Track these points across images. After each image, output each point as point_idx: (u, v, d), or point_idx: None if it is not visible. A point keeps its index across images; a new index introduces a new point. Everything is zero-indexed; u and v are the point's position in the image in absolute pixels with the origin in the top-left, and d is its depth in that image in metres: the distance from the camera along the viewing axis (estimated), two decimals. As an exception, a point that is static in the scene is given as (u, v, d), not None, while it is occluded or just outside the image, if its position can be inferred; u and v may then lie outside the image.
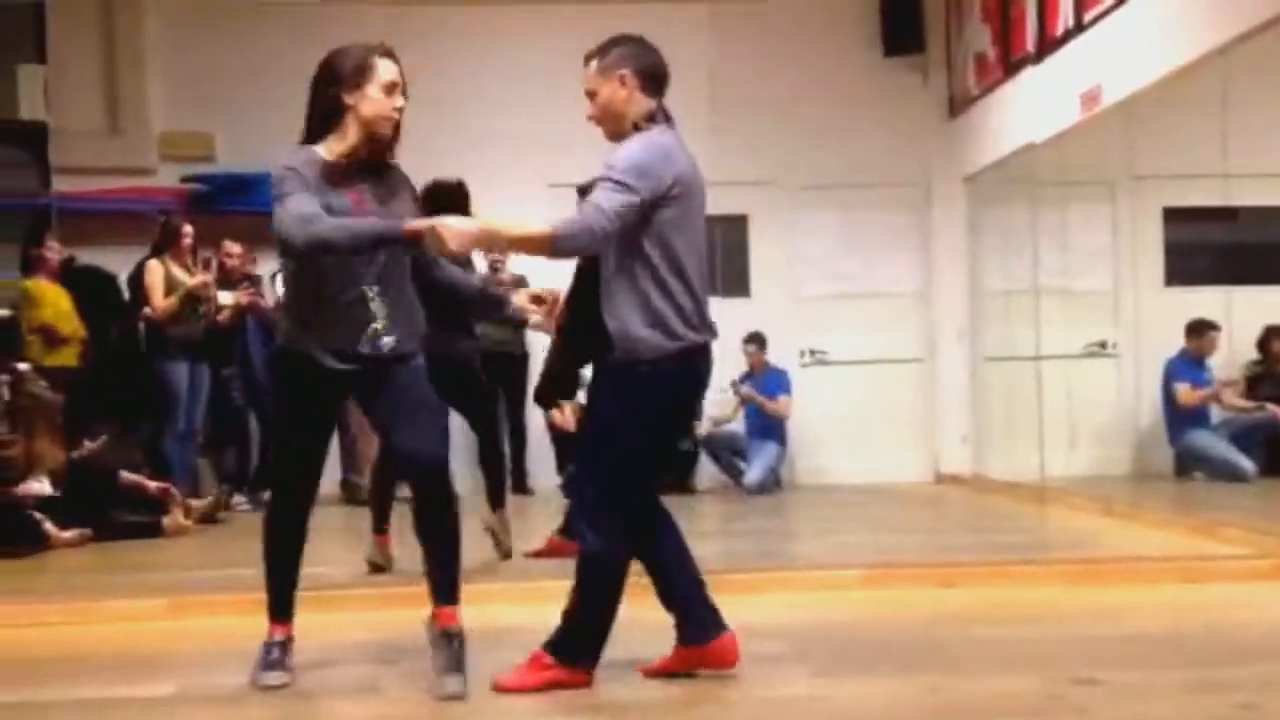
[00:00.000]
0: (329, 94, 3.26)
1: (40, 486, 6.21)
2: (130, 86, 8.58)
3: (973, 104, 8.61)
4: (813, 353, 9.10)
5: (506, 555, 5.31)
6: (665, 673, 3.35)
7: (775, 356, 8.81)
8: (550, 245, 3.18)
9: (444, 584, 3.30)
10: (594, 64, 3.30)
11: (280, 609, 3.44)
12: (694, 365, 3.32)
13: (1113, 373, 8.59)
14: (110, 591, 4.84)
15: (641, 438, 3.23)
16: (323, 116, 3.29)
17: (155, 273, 7.15)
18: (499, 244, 3.16)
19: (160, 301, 7.11)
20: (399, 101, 3.28)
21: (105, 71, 8.55)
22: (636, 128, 3.25)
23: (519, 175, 8.51)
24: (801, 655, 3.65)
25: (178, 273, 7.23)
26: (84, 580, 5.35)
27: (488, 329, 8.46)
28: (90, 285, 7.45)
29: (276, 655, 3.37)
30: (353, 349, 3.28)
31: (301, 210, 3.14)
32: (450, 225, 3.12)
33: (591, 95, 3.30)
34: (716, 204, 9.96)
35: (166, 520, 6.53)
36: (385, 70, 3.27)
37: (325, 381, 3.32)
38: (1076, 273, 8.21)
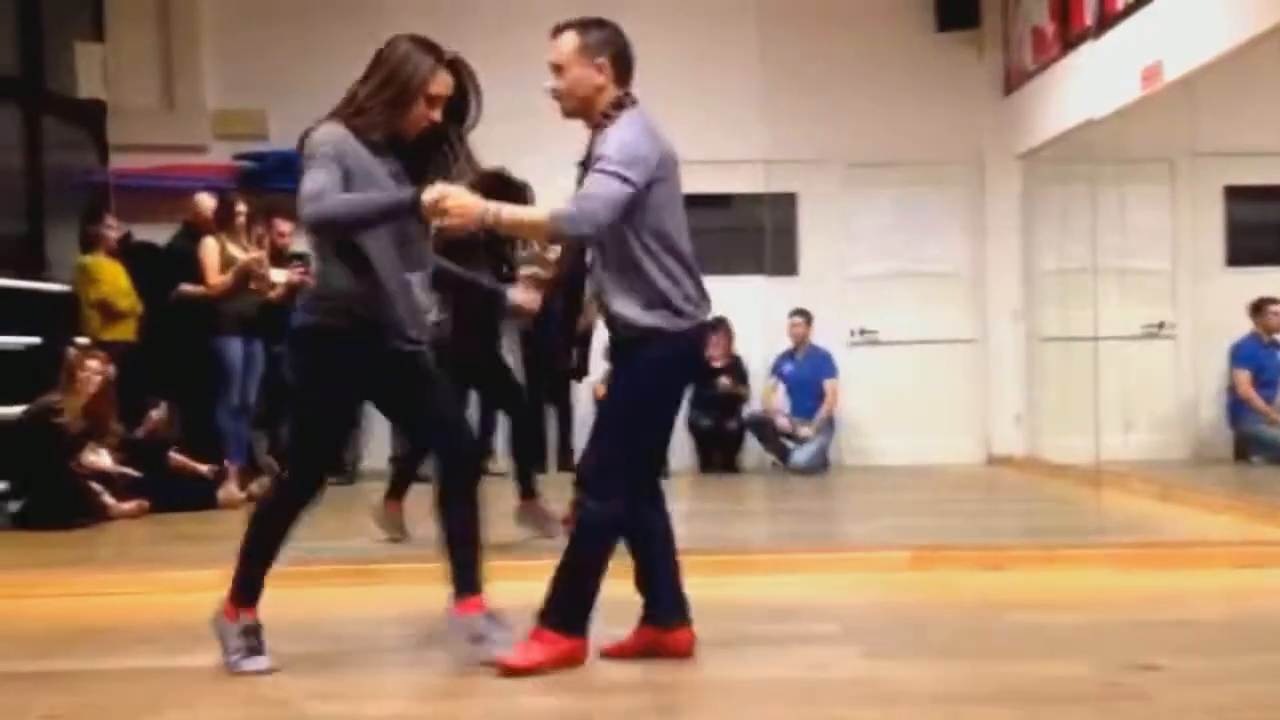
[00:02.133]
0: (395, 91, 3.23)
1: (99, 459, 6.31)
2: (185, 65, 8.67)
3: (1029, 80, 8.46)
4: (863, 332, 9.03)
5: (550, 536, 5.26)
6: (623, 654, 3.35)
7: (824, 336, 8.76)
8: (548, 231, 3.23)
9: (472, 569, 3.31)
10: (571, 39, 3.27)
11: (257, 593, 3.39)
12: (698, 343, 3.38)
13: (1170, 354, 8.44)
14: (164, 562, 4.92)
15: (650, 415, 3.29)
16: (381, 108, 3.24)
17: (210, 249, 7.22)
18: (498, 224, 3.12)
19: (215, 278, 7.18)
20: (436, 115, 3.28)
21: (161, 50, 8.64)
22: (605, 116, 3.26)
23: (566, 163, 8.51)
24: (852, 636, 3.62)
25: (233, 250, 7.29)
26: (139, 551, 5.44)
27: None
28: (146, 261, 7.54)
29: (255, 640, 3.33)
30: (408, 332, 3.29)
31: (311, 187, 3.12)
32: (454, 198, 3.11)
33: (559, 70, 3.28)
34: (766, 182, 9.91)
35: (221, 493, 6.63)
36: (440, 81, 3.26)
37: (373, 363, 3.29)
38: (1134, 252, 8.06)
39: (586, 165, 3.30)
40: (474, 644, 3.27)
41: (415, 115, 3.25)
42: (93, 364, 6.32)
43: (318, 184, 3.12)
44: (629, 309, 3.22)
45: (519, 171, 5.36)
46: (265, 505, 3.49)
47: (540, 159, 5.96)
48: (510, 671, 3.18)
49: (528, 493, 5.35)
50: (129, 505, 6.26)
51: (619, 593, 3.33)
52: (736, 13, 8.54)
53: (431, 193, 3.10)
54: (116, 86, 8.29)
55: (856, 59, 8.73)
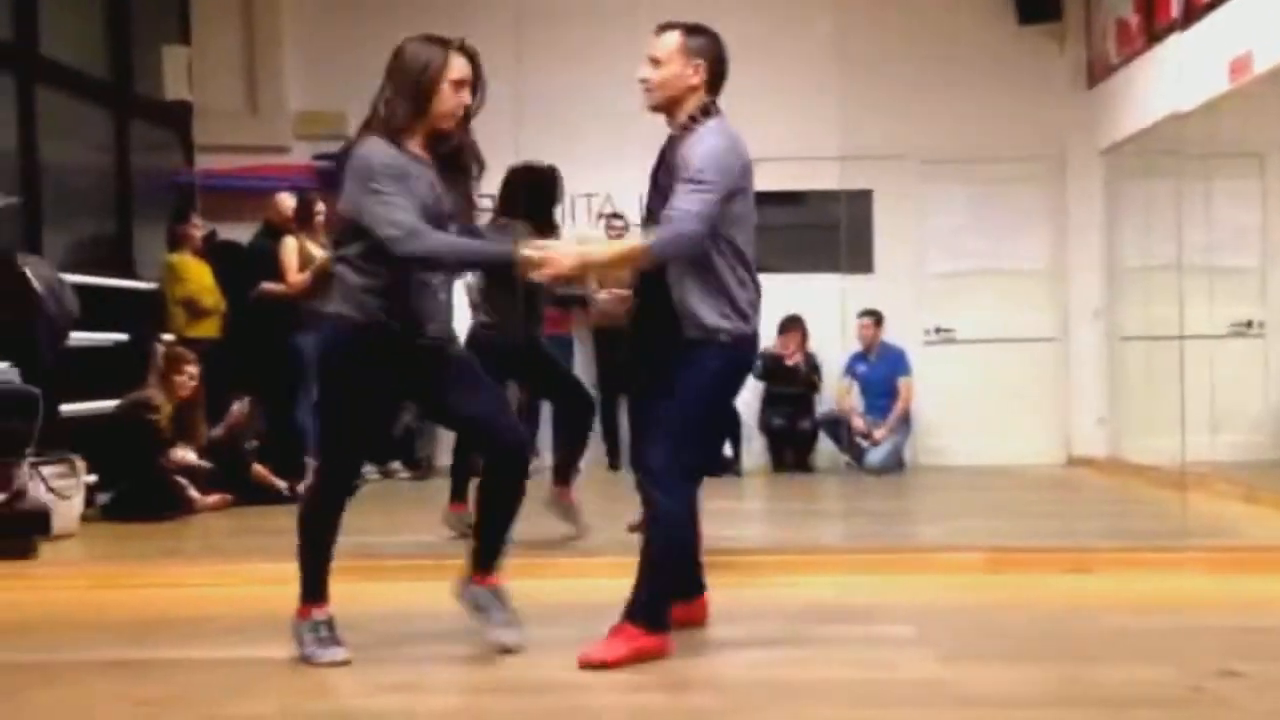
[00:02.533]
0: (412, 92, 3.29)
1: (185, 454, 6.46)
2: (268, 67, 8.84)
3: (1113, 73, 8.29)
4: (939, 330, 8.92)
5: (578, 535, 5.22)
6: None
7: (900, 334, 8.67)
8: (649, 258, 3.30)
9: (497, 552, 3.48)
10: (675, 37, 3.38)
11: (323, 590, 3.47)
12: (754, 349, 3.54)
13: (1259, 354, 8.22)
14: (247, 555, 5.03)
15: (711, 412, 3.48)
16: (404, 113, 3.30)
17: (290, 248, 7.36)
18: (599, 267, 3.20)
19: (295, 277, 7.31)
20: (467, 98, 3.32)
21: (245, 52, 8.82)
22: (692, 119, 3.36)
23: (644, 154, 8.53)
24: (928, 639, 3.59)
25: (312, 248, 7.43)
26: (223, 544, 5.57)
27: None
28: (229, 259, 7.71)
29: (327, 633, 3.41)
30: (427, 330, 3.34)
31: (401, 219, 3.20)
32: (553, 258, 3.22)
33: (656, 63, 3.38)
34: (840, 179, 9.81)
35: (301, 487, 6.73)
36: (458, 67, 3.31)
37: (397, 359, 3.31)
38: (1222, 249, 7.86)
39: (664, 166, 3.33)
40: (476, 612, 3.46)
41: (444, 106, 3.30)
42: (190, 369, 6.47)
43: (408, 219, 3.20)
44: (702, 309, 3.31)
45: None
46: (307, 505, 3.55)
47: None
48: (595, 665, 3.23)
49: (562, 481, 5.33)
50: (213, 499, 6.41)
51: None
52: (813, 6, 8.48)
53: (531, 250, 3.23)
54: (201, 89, 8.47)
55: (935, 53, 8.61)
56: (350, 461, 3.47)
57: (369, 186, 3.24)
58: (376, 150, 3.27)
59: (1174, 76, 7.30)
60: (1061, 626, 3.79)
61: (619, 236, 8.58)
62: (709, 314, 3.31)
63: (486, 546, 3.46)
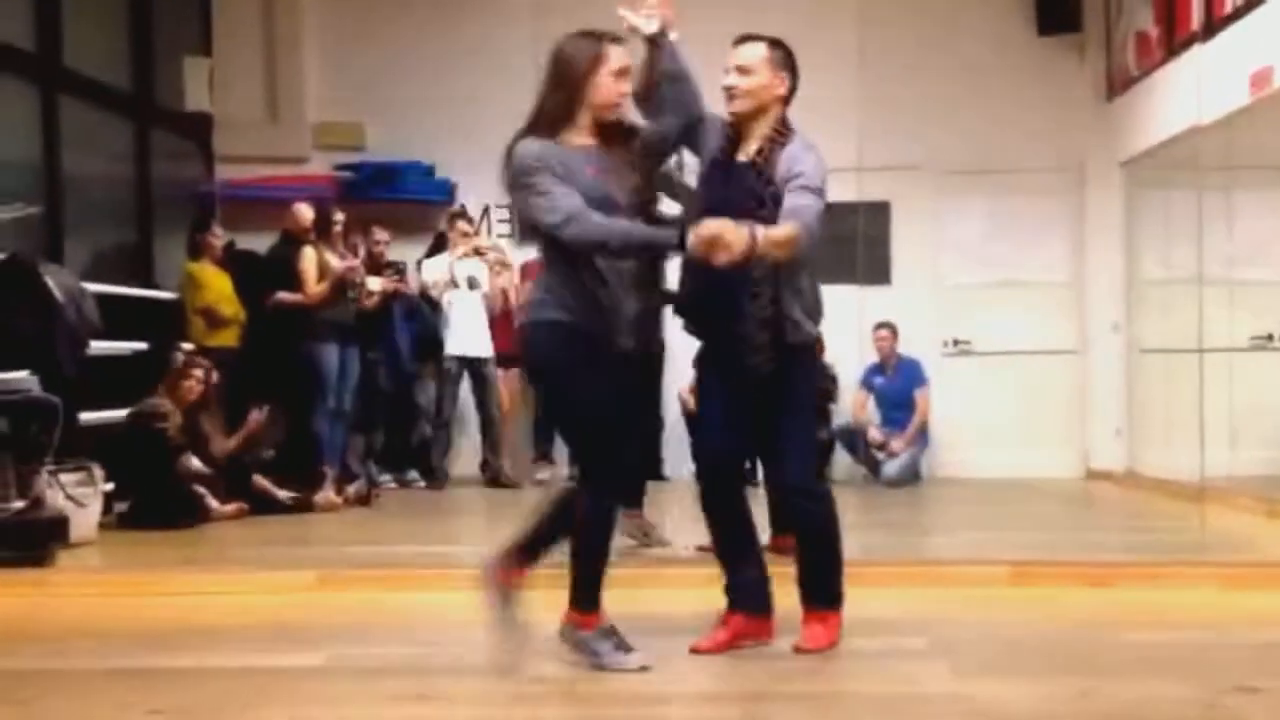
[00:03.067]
0: (564, 84, 3.33)
1: (195, 463, 6.47)
2: (288, 78, 8.90)
3: (1133, 85, 8.26)
4: (956, 343, 8.89)
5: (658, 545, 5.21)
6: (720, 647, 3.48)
7: (917, 346, 8.64)
8: (798, 246, 3.28)
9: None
10: (762, 49, 3.46)
11: (599, 597, 3.38)
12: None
13: (1280, 368, 8.15)
14: (263, 564, 5.04)
15: None
16: (556, 106, 3.34)
17: (309, 258, 7.39)
18: (762, 248, 3.21)
19: (313, 286, 7.35)
20: (627, 87, 3.36)
21: (265, 64, 8.88)
22: (779, 133, 3.44)
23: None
24: (943, 652, 3.57)
25: (330, 258, 7.46)
26: (239, 553, 5.59)
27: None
28: (247, 268, 7.75)
29: (619, 639, 3.35)
30: (620, 340, 3.33)
31: (563, 205, 3.22)
32: (727, 240, 3.12)
33: (744, 71, 3.43)
34: (859, 190, 9.78)
35: (318, 497, 6.77)
36: (616, 56, 3.34)
37: (603, 360, 3.30)
38: (1242, 262, 7.80)
39: (733, 167, 3.39)
40: (590, 659, 3.31)
41: (601, 96, 3.32)
42: (196, 373, 6.50)
43: (568, 203, 3.23)
44: (799, 316, 3.43)
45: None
46: (586, 513, 3.41)
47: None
48: (811, 651, 3.44)
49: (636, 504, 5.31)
50: (230, 508, 6.42)
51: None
52: (833, 17, 8.47)
53: (706, 229, 3.15)
54: (222, 99, 8.54)
55: (954, 64, 8.60)
56: (611, 461, 3.35)
57: (522, 183, 3.29)
58: (525, 148, 3.31)
59: (1194, 89, 7.27)
60: (1079, 641, 3.76)
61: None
62: (802, 318, 3.43)
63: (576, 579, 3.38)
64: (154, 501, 6.14)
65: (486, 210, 8.92)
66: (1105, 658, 3.54)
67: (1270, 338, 8.12)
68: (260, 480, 6.70)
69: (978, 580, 4.61)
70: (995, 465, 8.55)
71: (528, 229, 3.38)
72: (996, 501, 7.49)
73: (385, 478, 8.04)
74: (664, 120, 3.47)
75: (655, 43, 3.42)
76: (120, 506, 6.30)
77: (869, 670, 3.38)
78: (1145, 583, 4.60)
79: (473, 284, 8.09)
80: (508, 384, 8.46)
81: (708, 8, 8.34)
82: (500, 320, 8.28)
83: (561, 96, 3.33)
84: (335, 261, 7.47)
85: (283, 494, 6.69)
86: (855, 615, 4.03)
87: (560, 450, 8.58)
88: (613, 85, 3.32)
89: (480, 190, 8.83)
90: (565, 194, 3.23)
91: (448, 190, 8.79)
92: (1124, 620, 4.03)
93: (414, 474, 8.16)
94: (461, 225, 8.18)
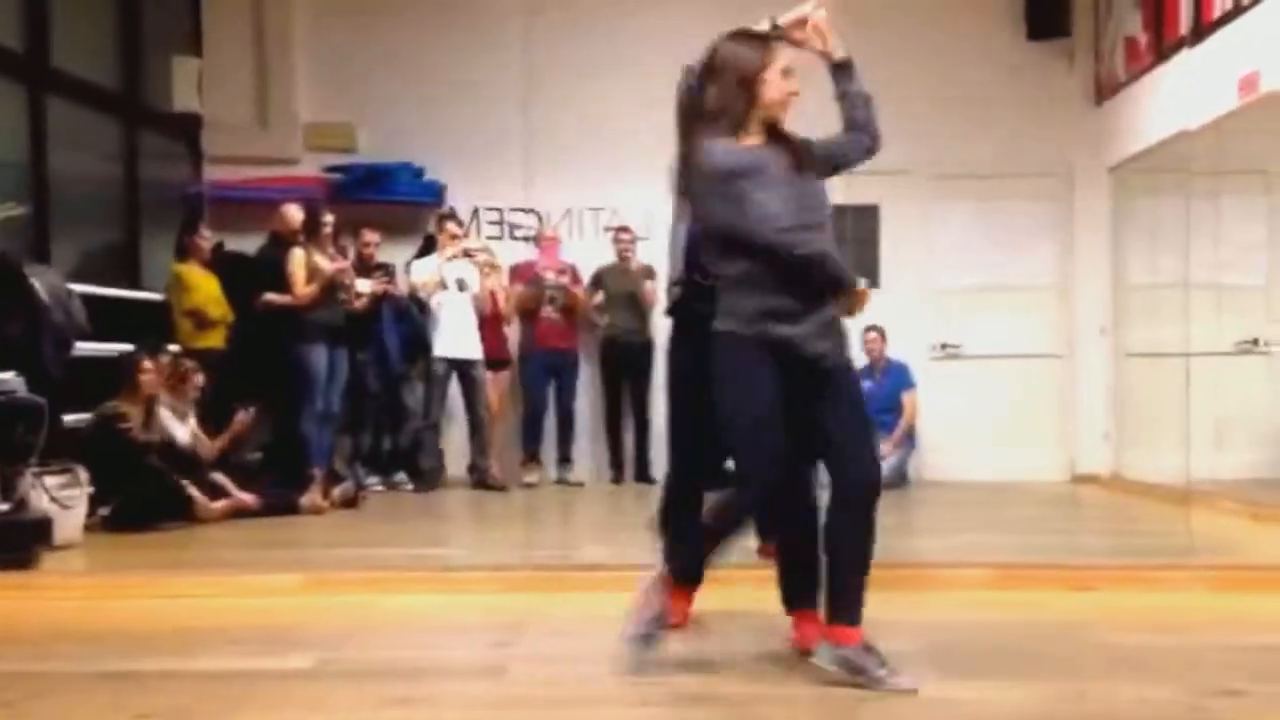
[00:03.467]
0: (736, 83, 3.26)
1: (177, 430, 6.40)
2: (279, 79, 8.88)
3: (1121, 90, 8.30)
4: (944, 346, 8.91)
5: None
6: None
7: (905, 350, 8.65)
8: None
9: (849, 600, 3.25)
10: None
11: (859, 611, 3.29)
12: None
13: (1265, 372, 8.19)
14: (250, 566, 5.03)
15: None
16: (730, 106, 3.26)
17: (298, 260, 7.38)
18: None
19: (302, 289, 7.34)
20: (794, 85, 3.30)
21: (256, 64, 8.86)
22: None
23: (651, 168, 8.54)
24: (928, 656, 3.57)
25: (319, 260, 7.45)
26: (225, 555, 5.57)
27: (618, 317, 8.57)
28: (236, 270, 7.73)
29: (881, 655, 3.24)
30: (807, 348, 3.27)
31: (774, 215, 3.16)
32: (866, 297, 3.30)
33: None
34: (847, 194, 9.82)
35: (304, 500, 6.75)
36: (782, 54, 3.30)
37: (783, 366, 3.25)
38: (1228, 267, 7.84)
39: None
40: (854, 676, 3.20)
41: (771, 96, 3.27)
42: (147, 364, 6.44)
43: (778, 209, 3.16)
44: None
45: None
46: (787, 529, 3.41)
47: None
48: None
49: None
50: (220, 504, 6.37)
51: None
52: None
53: (864, 295, 3.31)
54: (211, 100, 8.52)
55: (943, 68, 8.63)
56: (774, 472, 3.26)
57: (719, 188, 3.19)
58: (721, 151, 3.21)
59: (1182, 94, 7.30)
60: (1063, 644, 3.77)
61: (628, 250, 8.61)
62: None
63: (840, 590, 3.26)
64: (139, 502, 6.11)
65: (476, 212, 8.93)
66: (1089, 660, 3.55)
67: (1255, 342, 8.16)
68: (219, 478, 6.55)
69: (964, 583, 4.62)
70: (982, 468, 8.57)
71: (714, 239, 3.26)
72: (983, 505, 7.51)
73: (372, 480, 8.04)
74: (846, 138, 3.41)
75: (839, 66, 3.40)
76: (103, 510, 6.26)
77: (840, 672, 3.37)
78: (1130, 586, 4.61)
79: (462, 286, 8.09)
80: (496, 386, 8.47)
81: (694, 11, 8.38)
82: (489, 322, 8.29)
83: (734, 96, 3.25)
84: (324, 263, 7.47)
85: (247, 496, 6.54)
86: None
87: (548, 452, 8.59)
88: (782, 84, 3.27)
89: (469, 192, 8.85)
90: (773, 199, 3.15)
91: (437, 192, 8.80)
92: (1110, 623, 4.04)
93: (401, 476, 8.16)
94: (451, 227, 8.18)
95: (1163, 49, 7.60)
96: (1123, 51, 8.24)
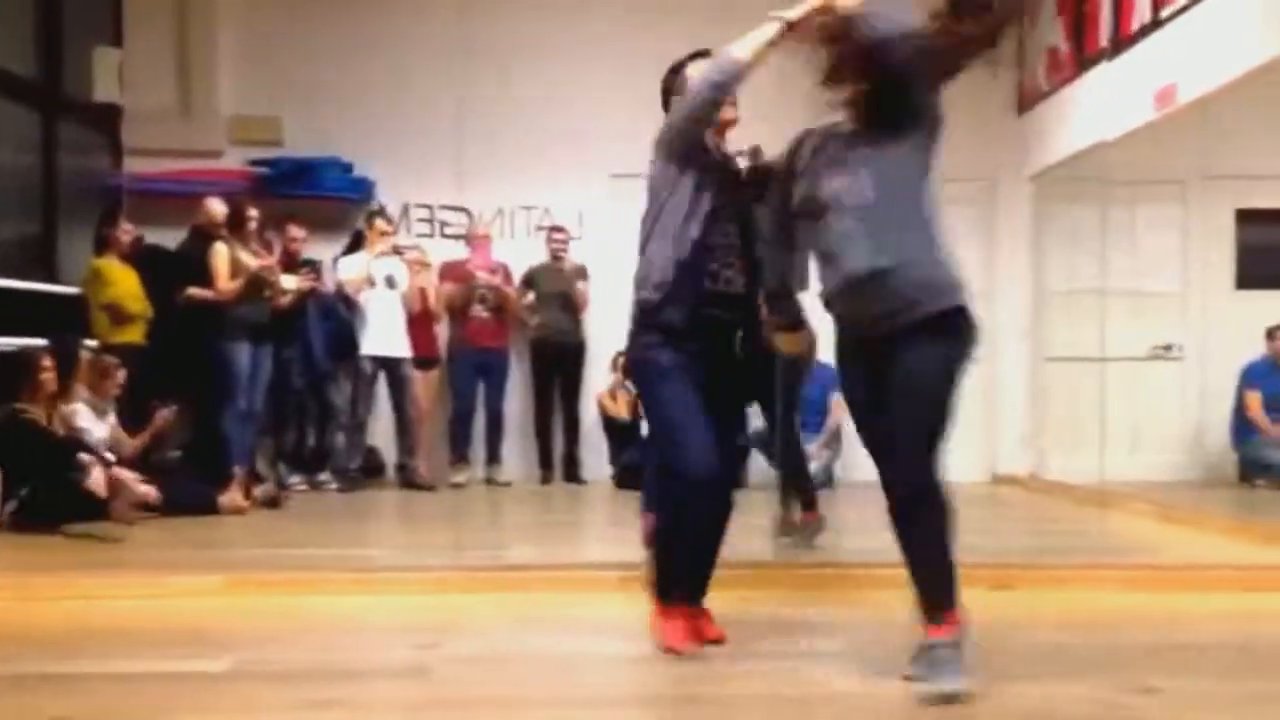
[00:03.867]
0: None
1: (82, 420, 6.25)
2: (201, 70, 8.72)
3: (1043, 100, 8.47)
4: (871, 349, 9.01)
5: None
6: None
7: (831, 352, 8.74)
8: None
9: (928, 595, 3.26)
10: None
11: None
12: None
13: (1178, 377, 8.44)
14: (167, 567, 4.93)
15: None
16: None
17: (220, 254, 7.26)
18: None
19: (226, 283, 7.21)
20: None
21: (178, 55, 8.69)
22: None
23: (584, 168, 8.56)
24: (853, 654, 3.62)
25: (243, 255, 7.33)
26: (142, 555, 5.45)
27: (550, 317, 8.55)
28: (156, 264, 7.58)
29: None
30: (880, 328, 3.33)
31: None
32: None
33: None
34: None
35: (224, 499, 6.62)
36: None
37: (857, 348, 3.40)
38: (1144, 274, 8.07)
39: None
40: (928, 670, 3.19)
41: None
42: (45, 361, 6.27)
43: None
44: None
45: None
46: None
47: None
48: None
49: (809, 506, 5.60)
50: (120, 501, 6.14)
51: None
52: (737, 25, 8.56)
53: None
54: (133, 91, 8.35)
55: (869, 75, 8.73)
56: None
57: None
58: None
59: (1101, 105, 7.49)
60: (983, 643, 3.83)
61: (562, 250, 8.60)
62: None
63: (920, 591, 3.27)
64: (48, 499, 5.94)
65: (406, 209, 8.85)
66: (1008, 659, 3.62)
67: (1169, 347, 8.40)
68: (121, 473, 6.30)
69: (885, 583, 4.68)
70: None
71: None
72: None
73: (295, 479, 7.93)
74: None
75: None
76: (10, 506, 6.08)
77: (778, 672, 3.41)
78: (1048, 585, 4.72)
79: (391, 283, 8.02)
80: (425, 385, 8.40)
81: (632, 8, 8.39)
82: (418, 320, 8.22)
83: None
84: (249, 258, 7.35)
85: (148, 489, 6.27)
86: (765, 618, 4.08)
87: (477, 452, 8.54)
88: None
89: (400, 189, 8.77)
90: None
91: (366, 188, 8.70)
92: (1028, 621, 4.13)
93: (325, 476, 8.06)
94: (380, 224, 8.10)
95: (1083, 61, 7.78)
96: (1045, 62, 8.42)
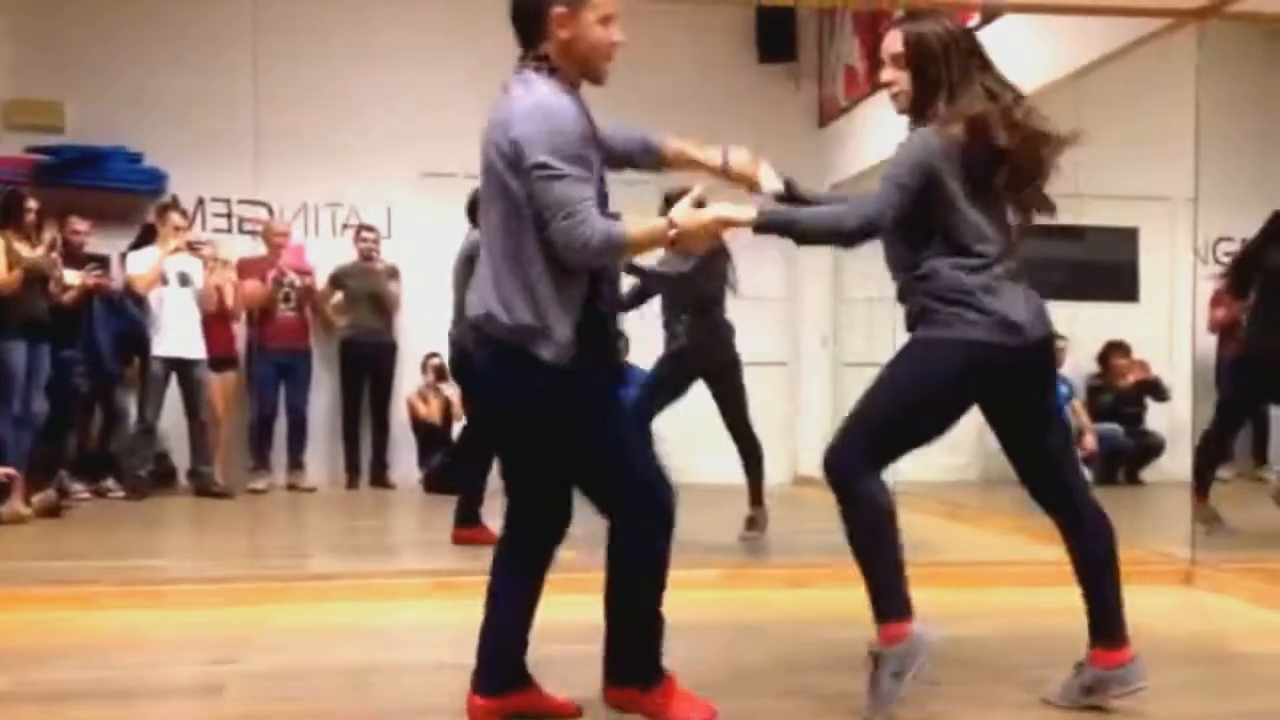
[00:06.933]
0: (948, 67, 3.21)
1: None
2: (-26, 49, 8.16)
3: (842, 114, 8.79)
4: (677, 353, 9.16)
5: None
6: None
7: (643, 357, 8.86)
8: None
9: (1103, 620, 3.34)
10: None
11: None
12: None
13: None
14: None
15: None
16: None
17: (-4, 247, 6.79)
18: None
19: (2, 276, 6.75)
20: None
21: (-53, 33, 8.11)
22: None
23: (393, 166, 8.40)
24: (666, 657, 3.66)
25: (21, 248, 6.88)
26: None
27: (360, 318, 8.35)
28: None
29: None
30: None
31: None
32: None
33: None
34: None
35: (3, 509, 6.22)
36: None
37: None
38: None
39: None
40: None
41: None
42: None
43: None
44: None
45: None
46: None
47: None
48: None
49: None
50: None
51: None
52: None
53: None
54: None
55: (678, 84, 8.88)
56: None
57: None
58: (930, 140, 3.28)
59: (895, 121, 7.80)
60: (780, 639, 3.96)
61: (372, 250, 8.42)
62: None
63: (1099, 616, 3.30)
64: None
65: (201, 202, 8.50)
66: (809, 654, 3.74)
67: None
68: None
69: (692, 584, 4.76)
70: (709, 471, 8.87)
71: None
72: (711, 505, 7.76)
73: (78, 487, 7.49)
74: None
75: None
76: None
77: (583, 674, 3.42)
78: (843, 583, 4.87)
79: (184, 280, 7.68)
80: (221, 387, 8.08)
81: (435, 16, 8.28)
82: (215, 320, 7.91)
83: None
84: (27, 251, 6.90)
85: None
86: (573, 621, 4.08)
87: (278, 455, 8.26)
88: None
89: (195, 180, 8.40)
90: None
91: (158, 180, 8.30)
92: (826, 619, 4.27)
93: (110, 483, 7.65)
94: (174, 218, 7.75)
95: (877, 78, 8.11)
96: (843, 78, 8.75)
